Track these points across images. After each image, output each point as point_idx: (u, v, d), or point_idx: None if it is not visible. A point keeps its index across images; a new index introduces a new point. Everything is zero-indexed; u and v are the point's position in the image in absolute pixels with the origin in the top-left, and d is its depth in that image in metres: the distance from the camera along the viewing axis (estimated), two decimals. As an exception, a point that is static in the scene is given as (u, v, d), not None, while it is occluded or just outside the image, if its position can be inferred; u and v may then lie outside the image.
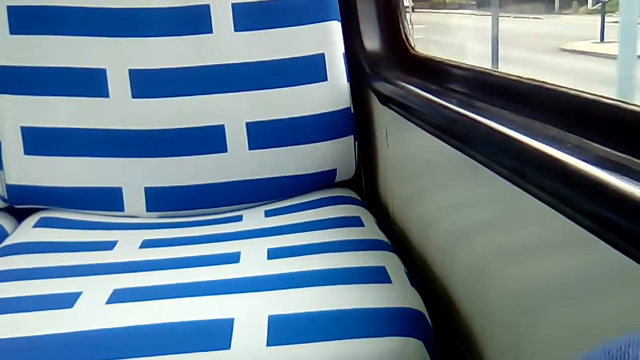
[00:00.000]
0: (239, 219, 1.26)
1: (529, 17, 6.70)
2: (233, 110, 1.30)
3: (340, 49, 1.35)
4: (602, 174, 0.53)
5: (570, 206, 0.56)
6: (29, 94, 1.27)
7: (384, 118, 1.29)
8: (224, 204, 1.32)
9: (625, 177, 0.52)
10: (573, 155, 0.58)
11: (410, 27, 1.41)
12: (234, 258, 1.03)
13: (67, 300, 0.89)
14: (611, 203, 0.51)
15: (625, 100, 0.67)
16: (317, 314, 0.85)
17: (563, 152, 0.60)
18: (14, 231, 1.23)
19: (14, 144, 1.27)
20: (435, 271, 1.03)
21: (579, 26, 5.46)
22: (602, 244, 0.52)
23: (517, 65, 4.62)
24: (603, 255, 0.52)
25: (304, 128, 1.32)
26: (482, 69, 1.05)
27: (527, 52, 5.03)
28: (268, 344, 0.80)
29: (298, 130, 1.32)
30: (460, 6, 8.35)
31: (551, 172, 0.59)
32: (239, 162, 1.31)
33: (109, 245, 1.13)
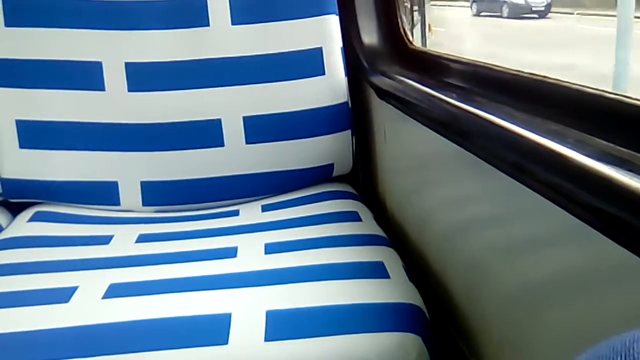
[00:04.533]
0: (235, 213, 1.26)
1: None
2: (230, 104, 1.29)
3: (338, 43, 1.35)
4: (605, 169, 0.53)
5: (572, 201, 0.56)
6: (24, 87, 1.26)
7: (382, 112, 1.28)
8: (221, 199, 1.32)
9: (628, 172, 0.52)
10: (575, 150, 0.58)
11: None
12: (231, 253, 1.02)
13: (63, 295, 0.88)
14: (614, 198, 0.50)
15: (627, 95, 0.66)
16: (314, 309, 0.84)
17: (564, 146, 0.59)
18: (8, 225, 1.23)
19: (9, 137, 1.26)
20: (434, 266, 1.03)
21: None
22: (604, 239, 0.52)
23: None
24: (605, 250, 0.52)
25: (302, 122, 1.32)
26: (481, 63, 1.04)
27: None
28: (266, 339, 0.79)
29: (295, 125, 1.32)
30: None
31: (553, 166, 0.59)
32: (236, 157, 1.31)
33: (105, 240, 1.12)
